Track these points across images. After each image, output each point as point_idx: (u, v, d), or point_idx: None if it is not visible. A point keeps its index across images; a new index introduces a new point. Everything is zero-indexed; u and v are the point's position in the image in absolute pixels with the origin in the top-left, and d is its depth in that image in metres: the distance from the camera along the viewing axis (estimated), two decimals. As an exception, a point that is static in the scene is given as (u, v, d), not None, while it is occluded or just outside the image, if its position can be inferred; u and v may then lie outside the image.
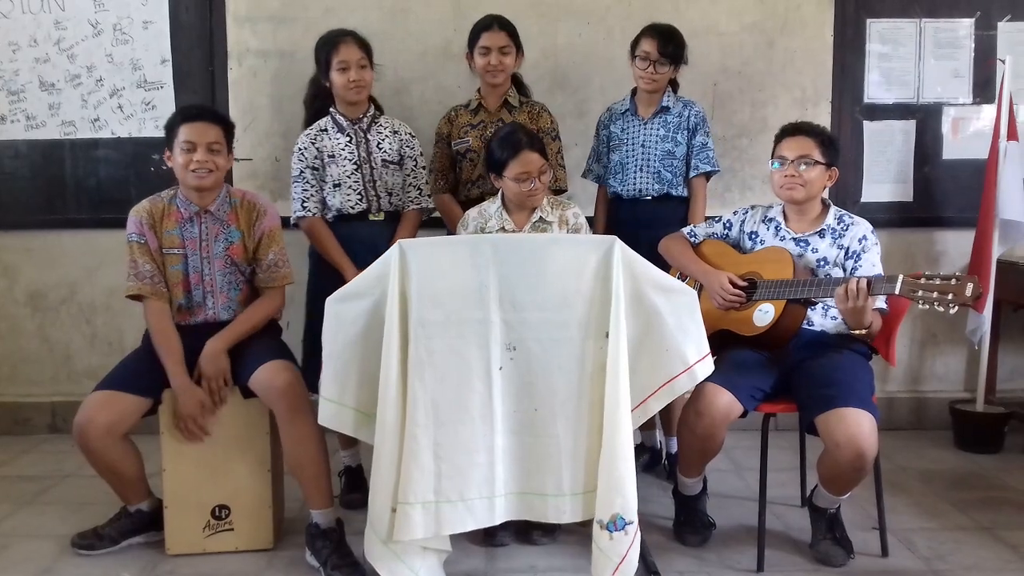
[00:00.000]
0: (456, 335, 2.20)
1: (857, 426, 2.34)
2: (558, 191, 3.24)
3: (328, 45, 3.01)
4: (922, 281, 2.32)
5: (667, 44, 3.14)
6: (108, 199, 3.82)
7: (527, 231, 2.82)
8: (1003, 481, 3.32)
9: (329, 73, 3.00)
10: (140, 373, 2.63)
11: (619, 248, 2.20)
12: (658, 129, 3.23)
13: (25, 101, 3.81)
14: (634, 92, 3.32)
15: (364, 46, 3.03)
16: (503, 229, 2.83)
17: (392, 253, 2.21)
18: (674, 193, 3.24)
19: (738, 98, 3.81)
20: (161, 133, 2.75)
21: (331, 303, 2.30)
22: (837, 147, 2.73)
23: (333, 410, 2.31)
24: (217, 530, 2.67)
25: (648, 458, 3.42)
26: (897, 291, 2.36)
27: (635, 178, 3.24)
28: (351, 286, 2.32)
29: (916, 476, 3.36)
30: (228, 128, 2.73)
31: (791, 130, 2.71)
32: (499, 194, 2.89)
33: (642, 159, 3.24)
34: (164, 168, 2.76)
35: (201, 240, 2.72)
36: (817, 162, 2.63)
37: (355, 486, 3.13)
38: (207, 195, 2.70)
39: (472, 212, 2.92)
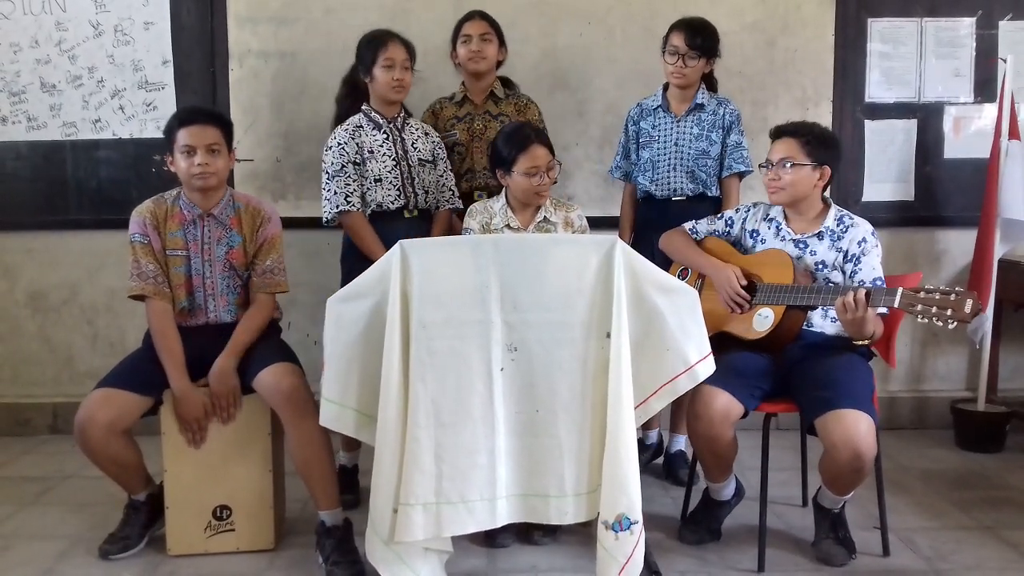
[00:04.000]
0: (457, 336, 2.20)
1: (854, 427, 2.34)
2: None
3: (376, 41, 3.01)
4: (921, 295, 2.31)
5: (696, 37, 3.10)
6: (109, 200, 3.83)
7: (531, 231, 2.83)
8: (1005, 480, 3.31)
9: (372, 69, 2.99)
10: (141, 372, 2.63)
11: (620, 248, 2.20)
12: (692, 127, 3.20)
13: (26, 102, 3.81)
14: (666, 88, 3.28)
15: (409, 49, 3.04)
16: (508, 227, 2.83)
17: (393, 253, 2.21)
18: (709, 193, 3.22)
19: (739, 98, 3.78)
20: (162, 134, 2.75)
21: (332, 304, 2.30)
22: (830, 144, 2.69)
23: (335, 411, 2.30)
24: (218, 531, 2.67)
25: (649, 456, 3.42)
26: (896, 304, 2.36)
27: (668, 177, 3.21)
28: (352, 287, 2.32)
29: (917, 475, 3.36)
30: (227, 127, 2.72)
31: (777, 131, 2.71)
32: (502, 192, 2.90)
33: (675, 158, 3.20)
34: (165, 169, 2.75)
35: (203, 243, 2.71)
36: (800, 164, 2.62)
37: (346, 487, 3.12)
38: (211, 198, 2.70)
39: (477, 206, 2.93)
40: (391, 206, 3.03)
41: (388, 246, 2.90)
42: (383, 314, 2.21)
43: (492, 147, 2.92)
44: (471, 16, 3.25)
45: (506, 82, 3.39)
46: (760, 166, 2.71)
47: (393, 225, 3.01)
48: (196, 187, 2.66)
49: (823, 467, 2.49)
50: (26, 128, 3.82)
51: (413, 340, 2.19)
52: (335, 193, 3.00)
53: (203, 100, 3.75)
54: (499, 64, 3.32)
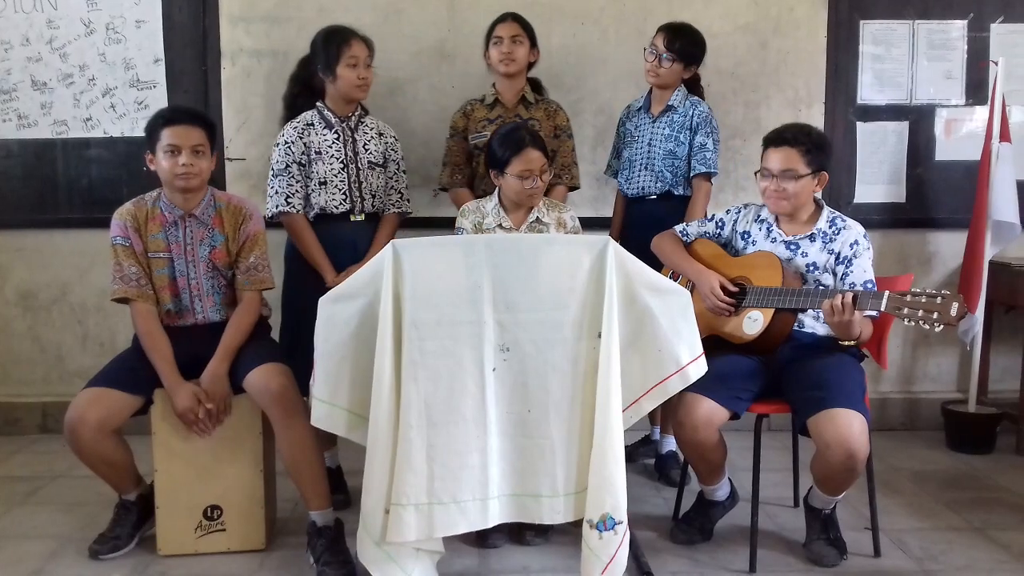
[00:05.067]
0: (449, 336, 2.20)
1: (847, 427, 2.34)
2: (572, 188, 3.31)
3: (337, 38, 2.96)
4: (907, 298, 2.32)
5: (675, 40, 3.15)
6: (100, 199, 3.80)
7: (523, 231, 2.82)
8: (995, 481, 3.33)
9: (335, 67, 2.94)
10: (131, 371, 2.62)
11: (612, 248, 2.20)
12: (664, 128, 3.23)
13: (17, 100, 3.79)
14: (651, 90, 3.32)
15: (369, 45, 3.02)
16: (500, 227, 2.83)
17: (386, 253, 2.20)
18: (676, 192, 3.23)
19: (731, 99, 3.81)
20: (144, 132, 2.71)
21: (324, 304, 2.29)
22: (826, 149, 2.68)
23: (325, 411, 2.30)
24: (209, 531, 2.66)
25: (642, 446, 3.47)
26: (883, 307, 2.36)
27: (639, 176, 3.26)
28: (344, 287, 2.31)
29: (908, 476, 3.37)
30: (211, 128, 2.68)
31: (776, 139, 2.66)
32: (495, 191, 2.89)
33: (647, 157, 3.24)
34: (145, 170, 2.72)
35: (185, 244, 2.69)
36: (803, 175, 2.61)
37: (335, 487, 3.11)
38: (192, 198, 2.68)
39: (470, 205, 2.93)
40: (335, 210, 3.00)
41: (333, 249, 2.94)
42: (375, 314, 2.20)
43: (487, 146, 2.91)
44: (503, 18, 3.23)
45: (536, 85, 3.39)
46: (756, 173, 2.70)
47: (340, 228, 3.00)
48: (178, 187, 2.63)
49: (815, 467, 2.50)
50: (16, 126, 3.80)
51: (405, 340, 2.19)
52: (276, 192, 2.99)
53: (195, 99, 3.74)
54: (531, 65, 3.31)
